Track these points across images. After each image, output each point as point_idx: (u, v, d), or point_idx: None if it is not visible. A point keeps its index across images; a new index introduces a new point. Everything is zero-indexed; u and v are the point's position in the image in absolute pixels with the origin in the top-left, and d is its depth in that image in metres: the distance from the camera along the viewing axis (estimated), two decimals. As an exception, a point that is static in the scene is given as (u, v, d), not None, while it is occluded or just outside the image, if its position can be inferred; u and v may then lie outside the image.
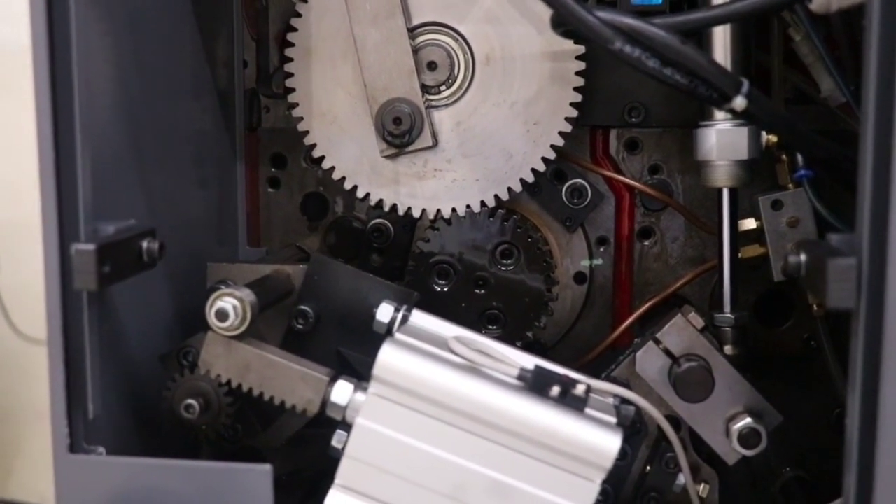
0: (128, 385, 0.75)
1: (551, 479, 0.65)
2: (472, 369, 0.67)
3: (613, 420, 0.68)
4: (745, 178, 0.83)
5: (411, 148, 0.85)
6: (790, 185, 0.88)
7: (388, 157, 0.85)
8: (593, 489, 0.65)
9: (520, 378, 0.67)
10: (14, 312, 2.08)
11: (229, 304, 0.71)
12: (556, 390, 0.66)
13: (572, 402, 0.66)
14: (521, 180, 0.86)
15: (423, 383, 0.65)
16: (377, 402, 0.67)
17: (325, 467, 0.72)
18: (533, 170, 0.85)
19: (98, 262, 0.64)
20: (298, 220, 1.00)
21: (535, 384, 0.66)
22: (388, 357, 0.66)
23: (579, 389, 0.66)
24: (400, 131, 0.83)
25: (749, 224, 0.89)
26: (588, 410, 0.67)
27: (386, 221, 0.96)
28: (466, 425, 0.66)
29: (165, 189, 0.82)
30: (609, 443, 0.64)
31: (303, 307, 0.82)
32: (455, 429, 0.66)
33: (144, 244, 0.70)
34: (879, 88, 0.57)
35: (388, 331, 0.74)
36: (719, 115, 0.82)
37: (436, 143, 0.85)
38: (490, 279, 0.91)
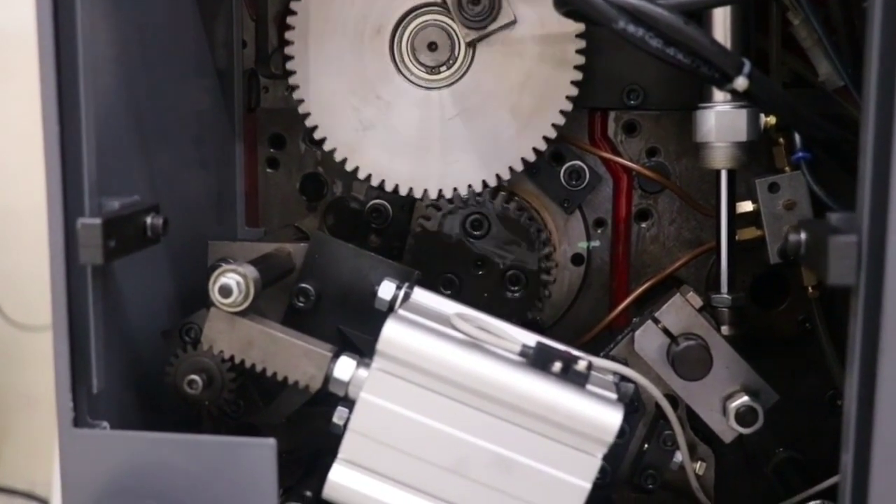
0: (130, 361, 0.75)
1: (553, 453, 0.66)
2: (475, 345, 0.68)
3: (614, 396, 0.68)
4: (743, 160, 0.84)
5: (493, 27, 0.84)
6: (787, 169, 0.89)
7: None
8: (594, 463, 0.66)
9: (522, 354, 0.68)
10: (3, 299, 2.08)
11: (232, 280, 0.71)
12: (557, 366, 0.67)
13: (574, 378, 0.67)
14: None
15: (426, 358, 0.66)
16: (381, 376, 0.67)
17: (325, 445, 0.72)
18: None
19: (104, 236, 0.64)
20: (297, 200, 1.01)
21: (537, 360, 0.67)
22: (392, 332, 0.67)
23: (581, 365, 0.67)
24: (478, 11, 0.83)
25: (746, 207, 0.90)
26: (589, 387, 0.68)
27: (384, 202, 0.96)
28: (469, 400, 0.66)
29: (166, 168, 0.83)
30: (610, 418, 0.65)
31: (304, 285, 0.82)
32: (458, 403, 0.66)
33: (149, 220, 0.70)
34: (881, 66, 0.57)
35: (390, 308, 0.74)
36: (718, 96, 0.83)
37: (516, 19, 0.84)
38: (488, 259, 0.92)
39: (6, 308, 2.16)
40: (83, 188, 0.66)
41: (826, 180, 0.85)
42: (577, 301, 0.98)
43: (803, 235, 0.64)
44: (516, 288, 0.90)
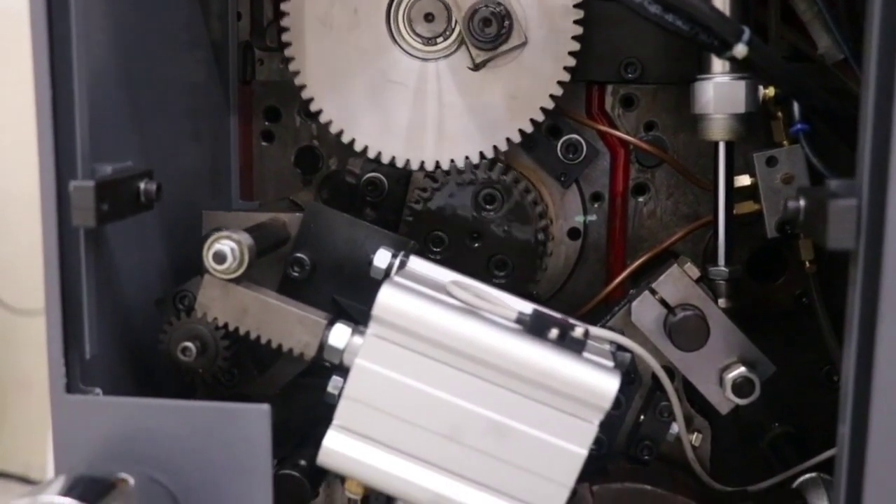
0: (123, 329, 0.75)
1: (550, 420, 0.65)
2: (471, 311, 0.67)
3: (611, 364, 0.68)
4: (741, 132, 0.83)
5: (504, 48, 0.84)
6: (785, 143, 0.89)
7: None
8: (591, 430, 0.66)
9: (518, 321, 0.67)
10: (-1, 284, 2.08)
11: (227, 247, 0.70)
12: (554, 332, 0.66)
13: (571, 345, 0.66)
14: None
15: (422, 323, 0.65)
16: (376, 342, 0.67)
17: (318, 416, 0.72)
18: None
19: (96, 198, 0.63)
20: (292, 174, 1.00)
21: (534, 327, 0.67)
22: (388, 297, 0.66)
23: (577, 332, 0.66)
24: (490, 33, 0.82)
25: (743, 181, 0.90)
26: (585, 354, 0.67)
27: (380, 175, 0.95)
28: (465, 366, 0.66)
29: (160, 140, 0.82)
30: (607, 384, 0.65)
31: (298, 255, 0.82)
32: (453, 370, 0.66)
33: (142, 185, 0.70)
34: (882, 34, 0.57)
35: (386, 277, 0.74)
36: (717, 68, 0.83)
37: (527, 40, 0.84)
38: (485, 233, 0.91)
39: (2, 293, 2.16)
40: (76, 152, 0.65)
41: (824, 153, 0.85)
42: (574, 275, 0.98)
43: (802, 202, 0.64)
44: (502, 273, 0.90)
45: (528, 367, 0.65)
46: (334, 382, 0.70)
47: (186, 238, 0.85)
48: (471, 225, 0.89)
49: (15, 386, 2.25)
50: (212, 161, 0.95)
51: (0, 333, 2.23)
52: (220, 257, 0.70)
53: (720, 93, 0.82)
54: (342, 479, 0.73)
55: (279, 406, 0.82)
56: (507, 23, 0.82)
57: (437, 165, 0.87)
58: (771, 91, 0.86)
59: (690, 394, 0.85)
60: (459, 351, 0.65)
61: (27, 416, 2.22)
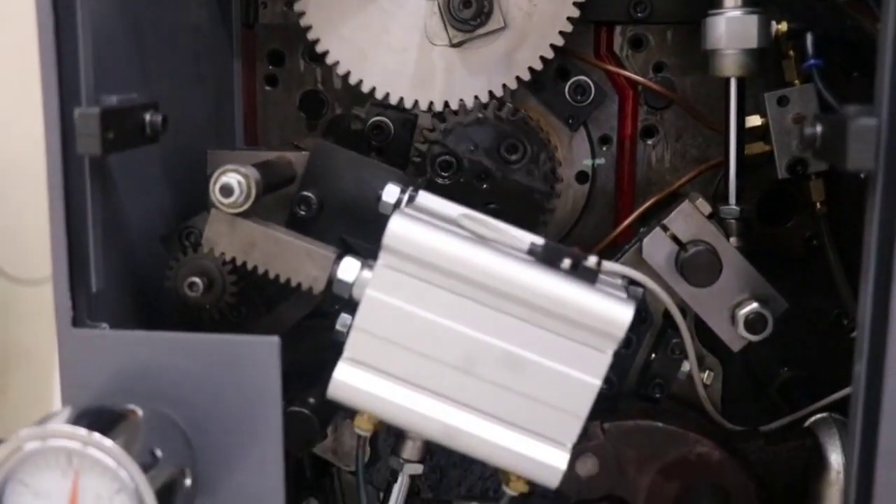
0: (129, 266, 0.74)
1: (563, 350, 0.65)
2: (483, 241, 0.66)
3: (624, 295, 0.67)
4: (753, 68, 0.82)
5: (481, 31, 0.83)
6: (797, 82, 0.87)
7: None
8: (605, 360, 0.65)
9: (530, 252, 0.67)
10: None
11: (234, 179, 0.69)
12: (567, 262, 0.65)
13: (584, 274, 0.65)
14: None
15: (434, 252, 0.64)
16: (387, 273, 0.65)
17: (326, 358, 0.71)
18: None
19: (101, 126, 0.62)
20: (296, 118, 0.99)
21: (546, 257, 0.66)
22: (398, 226, 0.65)
23: (591, 262, 0.66)
24: (470, 15, 0.81)
25: (754, 121, 0.89)
26: (598, 285, 0.66)
27: (386, 119, 0.94)
28: (477, 296, 0.65)
29: (164, 82, 0.81)
30: (622, 312, 0.64)
31: (305, 193, 0.81)
32: (465, 300, 0.65)
33: (147, 116, 0.69)
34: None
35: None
36: (729, 2, 0.81)
37: (506, 25, 0.83)
38: (494, 176, 0.90)
39: (2, 262, 2.14)
40: (79, 79, 0.64)
41: (836, 90, 0.84)
42: (582, 219, 0.97)
43: (819, 128, 0.63)
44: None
45: (541, 295, 0.64)
46: (342, 320, 0.69)
47: (191, 179, 0.84)
48: (479, 167, 0.88)
49: (15, 356, 2.24)
50: (215, 106, 0.94)
51: (2, 304, 2.22)
52: (226, 190, 0.69)
53: (732, 27, 0.81)
54: (352, 416, 0.72)
55: (287, 348, 0.82)
56: (486, 6, 0.81)
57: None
58: (784, 26, 0.85)
59: (701, 335, 0.84)
60: (472, 280, 0.64)
61: (28, 387, 2.21)
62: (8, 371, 2.24)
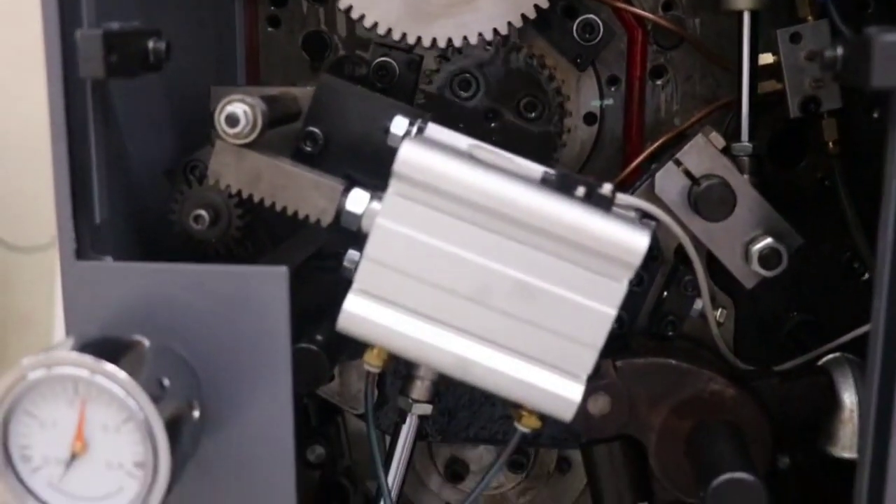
0: (133, 199, 0.72)
1: (578, 279, 0.63)
2: (496, 169, 0.65)
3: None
4: (766, 1, 0.81)
5: None
6: (810, 18, 0.86)
7: None
8: (620, 290, 0.64)
9: (544, 181, 0.65)
10: (-2, 222, 2.05)
11: (240, 109, 0.67)
12: (581, 190, 0.64)
13: (599, 202, 0.64)
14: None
15: (446, 179, 0.63)
16: (398, 201, 0.64)
17: (332, 297, 0.69)
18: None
19: (104, 48, 0.60)
20: (299, 60, 0.97)
21: (560, 184, 0.64)
22: (410, 152, 0.63)
23: (605, 189, 0.64)
24: None
25: (766, 59, 0.87)
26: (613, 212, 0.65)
27: (390, 59, 0.92)
28: (491, 224, 0.63)
29: (165, 21, 0.78)
30: (637, 239, 0.63)
31: (311, 129, 0.79)
32: (478, 228, 0.63)
33: (151, 43, 0.67)
34: None
35: (404, 142, 0.71)
36: (742, -67, 0.80)
37: None
38: (501, 117, 0.88)
39: (0, 230, 2.13)
40: (80, 4, 0.63)
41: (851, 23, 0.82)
42: (590, 161, 0.95)
43: (840, 50, 0.61)
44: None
45: (555, 222, 0.62)
46: (350, 256, 0.67)
47: (193, 118, 0.82)
48: (486, 106, 0.87)
49: (14, 324, 2.23)
50: (217, 47, 0.92)
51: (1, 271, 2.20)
52: (232, 120, 0.68)
53: (745, -42, 0.79)
54: (361, 351, 0.71)
55: (293, 290, 0.80)
56: None
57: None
58: (797, -45, 0.83)
59: (714, 274, 0.83)
60: (485, 207, 0.63)
61: (26, 354, 2.20)
62: (6, 338, 2.23)
